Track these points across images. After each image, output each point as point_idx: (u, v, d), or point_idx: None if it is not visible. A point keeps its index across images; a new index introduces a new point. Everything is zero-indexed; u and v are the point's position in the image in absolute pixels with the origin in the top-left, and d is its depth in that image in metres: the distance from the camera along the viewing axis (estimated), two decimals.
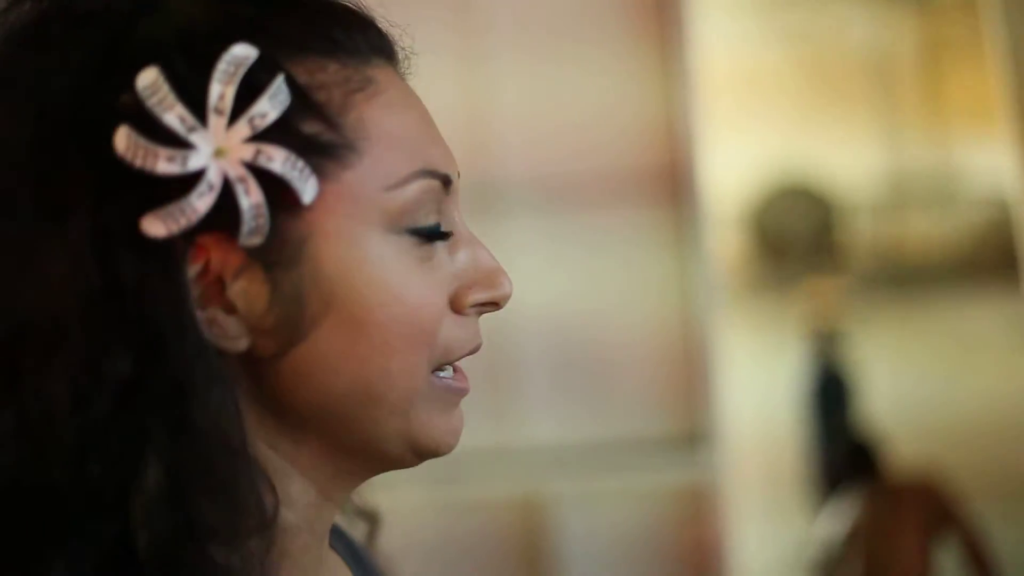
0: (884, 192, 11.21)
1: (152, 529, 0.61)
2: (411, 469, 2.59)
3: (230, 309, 0.66)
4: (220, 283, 0.65)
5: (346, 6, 0.72)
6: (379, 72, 0.70)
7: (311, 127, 0.66)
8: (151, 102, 0.61)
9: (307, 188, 0.64)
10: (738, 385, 6.58)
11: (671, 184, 3.05)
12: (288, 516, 0.69)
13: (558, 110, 3.10)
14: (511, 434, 3.10)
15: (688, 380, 3.04)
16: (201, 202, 0.62)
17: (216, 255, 0.65)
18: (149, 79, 0.61)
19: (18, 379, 0.62)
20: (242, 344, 0.66)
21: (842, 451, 3.85)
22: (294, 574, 0.70)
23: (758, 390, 6.83)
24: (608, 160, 3.09)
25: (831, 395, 6.01)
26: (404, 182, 0.68)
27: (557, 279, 3.10)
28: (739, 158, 10.08)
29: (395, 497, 2.97)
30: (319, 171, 0.66)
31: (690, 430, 3.04)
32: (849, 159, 10.85)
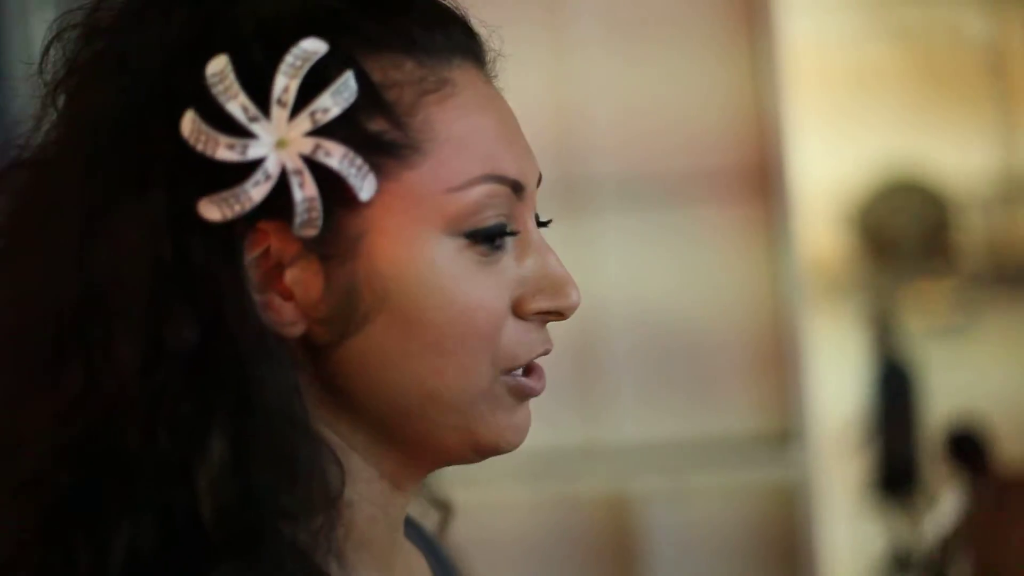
0: (997, 189, 10.95)
1: (217, 498, 0.62)
2: (503, 466, 2.58)
3: (288, 295, 0.67)
4: (280, 269, 0.67)
5: (433, 3, 0.72)
6: (459, 73, 0.70)
7: (377, 125, 0.66)
8: (217, 90, 0.63)
9: (364, 186, 0.65)
10: (836, 384, 6.50)
11: (761, 181, 3.04)
12: (351, 493, 0.69)
13: (648, 108, 3.10)
14: (602, 432, 3.10)
15: (779, 377, 3.02)
16: (256, 191, 0.64)
17: (276, 242, 0.66)
18: (217, 67, 0.64)
19: (89, 342, 0.64)
20: (298, 330, 0.67)
21: (946, 443, 3.79)
22: (361, 552, 0.71)
23: (859, 390, 6.73)
24: (698, 157, 3.08)
25: (896, 392, 5.93)
26: (467, 185, 0.68)
27: (647, 276, 3.10)
28: (845, 155, 9.92)
29: (486, 494, 3.00)
30: (380, 169, 0.66)
31: (781, 428, 3.02)
32: (960, 156, 10.62)
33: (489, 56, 0.74)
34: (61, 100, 0.70)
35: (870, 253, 10.68)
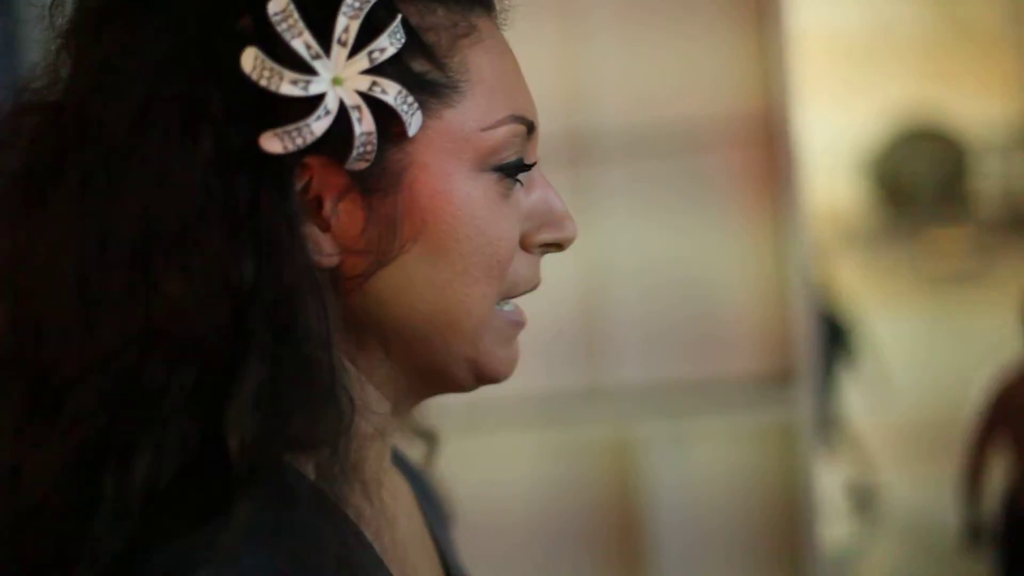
0: (1014, 136, 10.90)
1: (245, 430, 0.64)
2: (508, 411, 2.66)
3: (324, 227, 0.70)
4: (318, 202, 0.70)
5: None
6: (480, 21, 0.74)
7: (421, 65, 0.70)
8: (281, 27, 0.66)
9: (414, 121, 0.69)
10: None
11: (767, 132, 3.07)
12: (364, 426, 0.72)
13: (653, 60, 3.14)
14: (604, 376, 3.16)
15: (781, 321, 3.07)
16: (318, 124, 0.66)
17: (319, 176, 0.69)
18: (280, 5, 0.66)
19: (151, 284, 0.65)
20: (333, 261, 0.70)
21: None
22: (356, 480, 0.73)
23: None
24: (703, 108, 3.12)
25: (829, 346, 6.03)
26: (498, 124, 0.73)
27: (651, 224, 3.14)
28: (861, 105, 9.88)
29: (491, 440, 3.06)
30: (424, 107, 0.70)
31: (783, 369, 3.07)
32: (978, 103, 10.56)
33: (499, 8, 0.79)
34: (76, 45, 0.71)
35: (886, 201, 10.68)
